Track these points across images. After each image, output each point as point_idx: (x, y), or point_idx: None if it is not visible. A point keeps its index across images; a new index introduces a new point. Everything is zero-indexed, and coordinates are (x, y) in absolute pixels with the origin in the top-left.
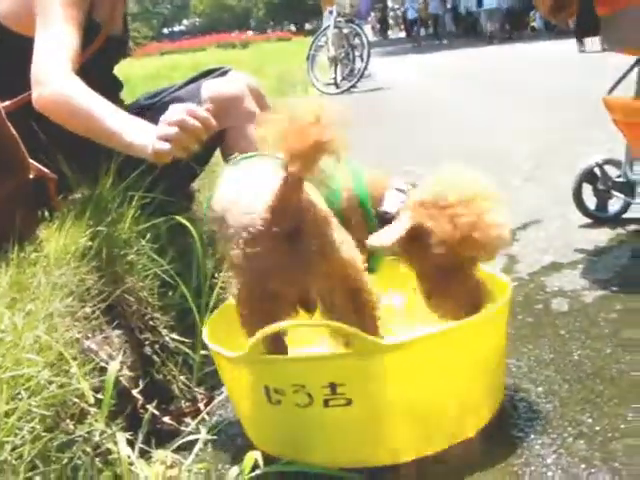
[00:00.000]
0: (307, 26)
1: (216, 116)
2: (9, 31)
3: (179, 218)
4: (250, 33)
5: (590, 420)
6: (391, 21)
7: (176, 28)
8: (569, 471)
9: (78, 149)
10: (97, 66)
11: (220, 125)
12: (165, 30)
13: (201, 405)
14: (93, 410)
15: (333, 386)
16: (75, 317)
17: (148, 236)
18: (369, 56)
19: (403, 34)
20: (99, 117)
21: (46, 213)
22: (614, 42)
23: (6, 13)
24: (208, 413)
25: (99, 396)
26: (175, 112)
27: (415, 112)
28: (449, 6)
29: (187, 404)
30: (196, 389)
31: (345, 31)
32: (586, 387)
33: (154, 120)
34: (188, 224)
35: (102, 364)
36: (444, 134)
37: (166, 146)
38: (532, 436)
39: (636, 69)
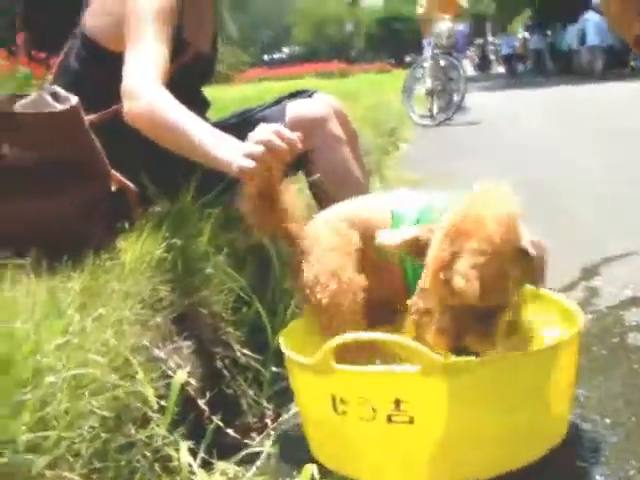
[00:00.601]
0: (407, 58)
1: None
2: (98, 46)
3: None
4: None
5: None
6: (492, 56)
7: (276, 55)
8: None
9: (160, 163)
10: (184, 82)
11: (304, 146)
12: (265, 57)
13: (268, 421)
14: (156, 416)
15: (397, 402)
16: (146, 326)
17: (225, 250)
18: (465, 89)
19: (502, 69)
20: (188, 129)
21: (126, 225)
22: None
23: (96, 28)
24: (274, 429)
25: (163, 403)
26: (263, 131)
27: (507, 146)
28: (549, 41)
29: (254, 420)
30: (265, 405)
31: (442, 63)
32: None
33: (239, 138)
34: (267, 242)
35: (170, 373)
36: (534, 168)
37: (251, 164)
38: (594, 467)
39: None
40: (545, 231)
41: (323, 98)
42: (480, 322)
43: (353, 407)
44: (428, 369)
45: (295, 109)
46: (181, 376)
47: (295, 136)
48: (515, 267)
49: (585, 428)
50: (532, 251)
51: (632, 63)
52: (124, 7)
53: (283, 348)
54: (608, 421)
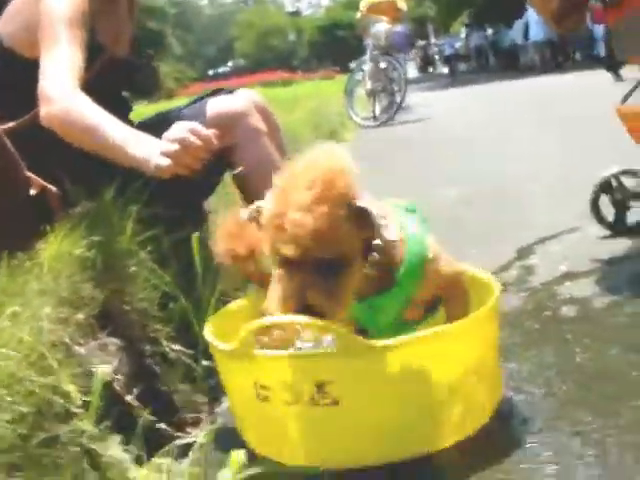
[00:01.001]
0: (351, 65)
1: (221, 133)
2: (14, 53)
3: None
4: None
5: (588, 418)
6: (436, 57)
7: (221, 69)
8: (562, 467)
9: (83, 165)
10: (102, 86)
11: (226, 142)
12: (210, 72)
13: (203, 415)
14: (81, 412)
15: (320, 385)
16: (66, 323)
17: (150, 248)
18: (406, 89)
19: (446, 70)
20: (103, 130)
21: (47, 227)
22: (621, 52)
23: (10, 36)
24: (211, 422)
25: (88, 399)
26: (178, 130)
27: (446, 140)
28: (490, 41)
29: (190, 415)
30: (199, 399)
31: (382, 65)
32: (586, 387)
33: (159, 137)
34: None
35: (94, 369)
36: (472, 159)
37: (166, 162)
38: (527, 435)
39: None
40: (483, 215)
41: (243, 93)
42: (321, 278)
43: (276, 392)
44: (346, 349)
45: (214, 106)
46: (104, 370)
47: (210, 132)
48: (350, 223)
49: (517, 400)
50: (368, 207)
51: (573, 55)
52: (37, 13)
53: (207, 335)
54: (541, 391)
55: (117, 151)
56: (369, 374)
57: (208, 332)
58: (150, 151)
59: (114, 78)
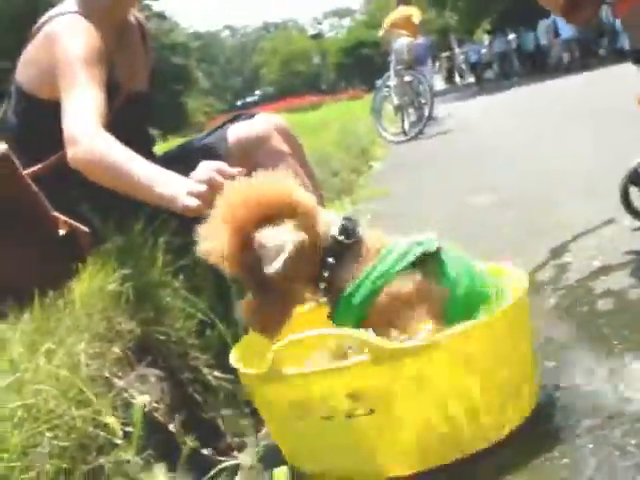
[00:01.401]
0: (377, 82)
1: (244, 159)
2: (34, 98)
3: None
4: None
5: (629, 408)
6: (463, 66)
7: (249, 99)
8: (603, 459)
9: (111, 201)
10: (124, 122)
11: (249, 167)
12: (239, 102)
13: (249, 438)
14: (121, 442)
15: (354, 396)
16: (103, 357)
17: (182, 277)
18: (433, 101)
19: (473, 79)
20: (129, 170)
21: (79, 266)
22: (632, 43)
23: (29, 81)
24: (255, 444)
25: (129, 429)
26: (205, 169)
27: (476, 149)
28: (514, 46)
29: (235, 439)
30: (243, 423)
31: (407, 79)
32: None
33: (185, 167)
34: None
35: (134, 401)
36: (504, 165)
37: (194, 202)
38: (568, 429)
39: None
40: (517, 219)
41: (262, 117)
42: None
43: (313, 408)
44: (377, 357)
45: (235, 132)
46: (142, 400)
47: (236, 171)
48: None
49: (556, 395)
50: (261, 242)
51: (600, 51)
52: (52, 56)
53: (233, 362)
54: (580, 385)
55: (144, 190)
56: (398, 378)
57: (234, 360)
58: (177, 190)
59: (134, 113)
